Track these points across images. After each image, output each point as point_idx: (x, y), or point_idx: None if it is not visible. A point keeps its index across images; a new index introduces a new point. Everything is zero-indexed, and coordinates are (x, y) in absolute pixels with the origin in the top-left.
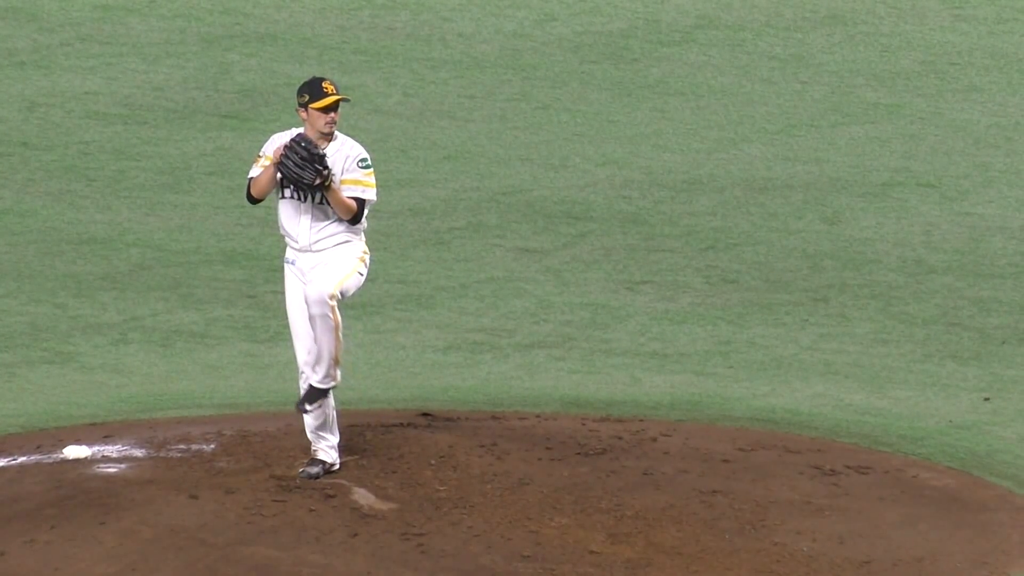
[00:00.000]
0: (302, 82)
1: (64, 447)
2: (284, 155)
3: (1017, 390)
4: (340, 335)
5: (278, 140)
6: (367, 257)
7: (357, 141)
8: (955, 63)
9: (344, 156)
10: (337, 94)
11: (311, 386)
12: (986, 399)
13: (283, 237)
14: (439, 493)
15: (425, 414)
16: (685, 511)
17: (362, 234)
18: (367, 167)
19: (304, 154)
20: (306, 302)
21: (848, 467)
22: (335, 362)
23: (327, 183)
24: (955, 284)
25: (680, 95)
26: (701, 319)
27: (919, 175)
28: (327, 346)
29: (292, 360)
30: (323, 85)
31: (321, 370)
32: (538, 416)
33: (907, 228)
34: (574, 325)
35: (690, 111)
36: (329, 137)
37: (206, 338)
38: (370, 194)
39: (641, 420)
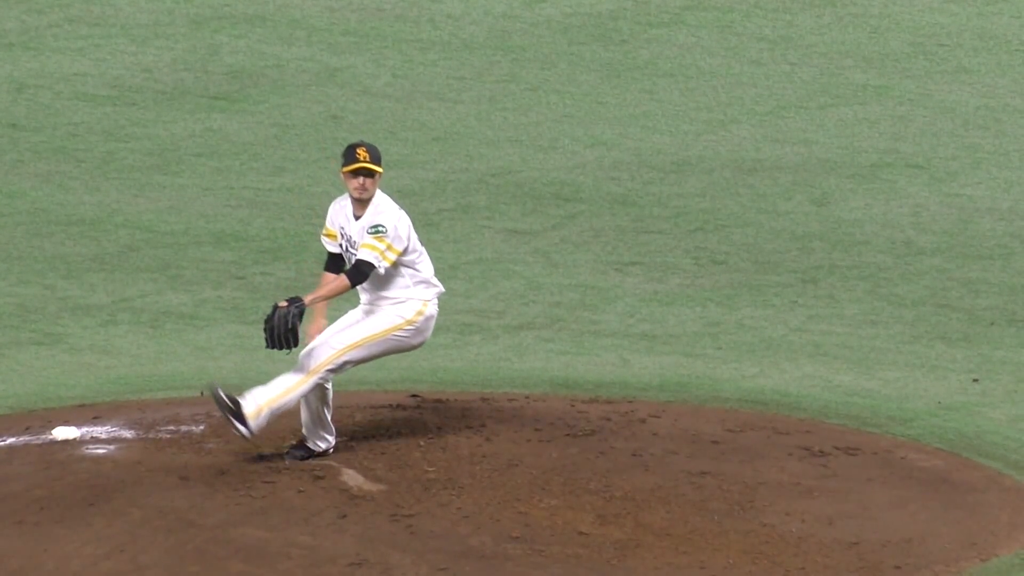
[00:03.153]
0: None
1: (53, 428)
2: (274, 336)
3: (1006, 371)
4: (291, 397)
5: (334, 209)
6: (420, 319)
7: (395, 203)
8: (944, 44)
9: (363, 227)
10: (368, 162)
11: (227, 400)
12: (975, 380)
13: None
14: (428, 474)
15: (414, 396)
16: (674, 492)
17: (421, 287)
18: (376, 232)
19: (268, 325)
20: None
21: (837, 448)
22: (267, 407)
23: (300, 310)
24: (944, 265)
25: (669, 76)
26: (690, 300)
27: (908, 156)
28: (273, 389)
29: None
30: (356, 151)
31: (251, 396)
32: (527, 397)
33: (896, 209)
34: (563, 306)
35: (679, 92)
36: (363, 203)
37: (195, 319)
38: (369, 256)
39: (630, 401)
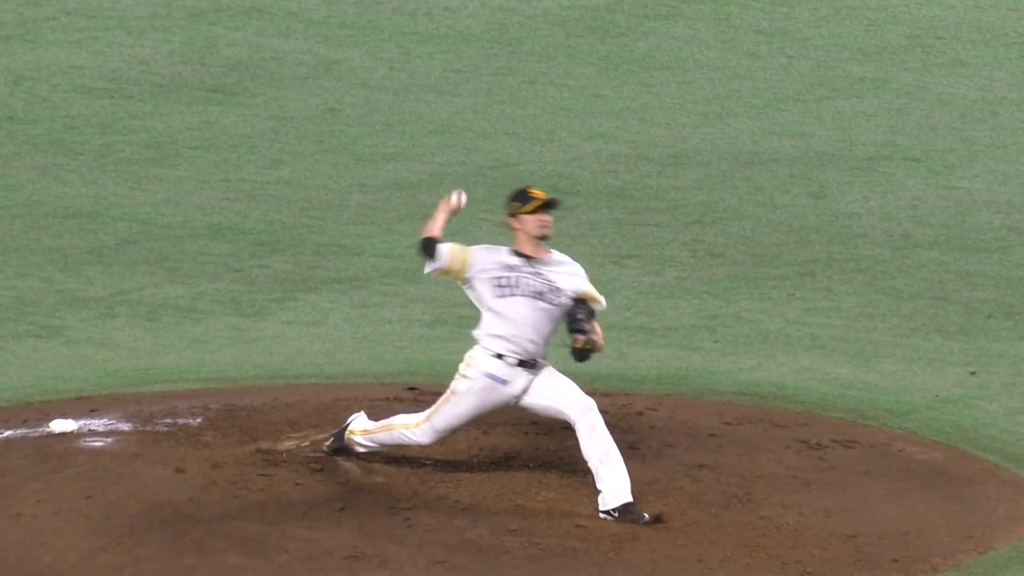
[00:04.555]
0: (509, 198)
1: (50, 421)
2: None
3: (1003, 364)
4: (612, 445)
5: (489, 256)
6: None
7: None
8: (941, 37)
9: (554, 270)
10: (545, 197)
11: (618, 507)
12: (972, 373)
13: (493, 343)
14: (425, 467)
15: (411, 388)
16: (671, 485)
17: None
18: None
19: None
20: (569, 417)
21: (834, 441)
22: (623, 473)
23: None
24: (941, 258)
25: (666, 69)
26: (687, 293)
27: (905, 149)
28: (613, 447)
29: (281, 337)
30: (528, 191)
31: (613, 488)
32: None
33: (893, 202)
34: None
35: (676, 85)
36: (544, 241)
37: (192, 312)
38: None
39: (627, 394)
